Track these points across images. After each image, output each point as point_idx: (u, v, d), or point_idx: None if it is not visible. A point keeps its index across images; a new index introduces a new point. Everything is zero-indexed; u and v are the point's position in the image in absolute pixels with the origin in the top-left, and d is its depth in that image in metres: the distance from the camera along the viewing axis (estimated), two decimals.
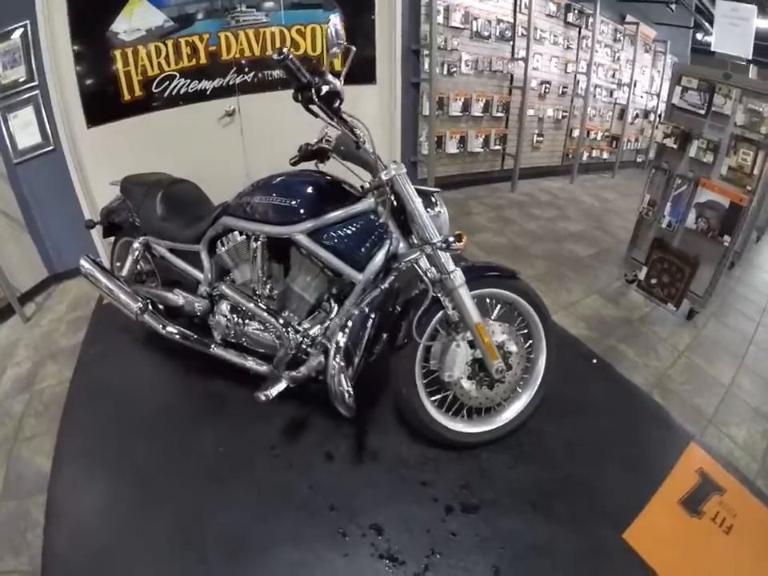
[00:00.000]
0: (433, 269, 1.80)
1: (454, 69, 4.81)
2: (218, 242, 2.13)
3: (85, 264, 2.57)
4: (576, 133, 6.16)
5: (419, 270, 1.81)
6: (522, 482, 1.88)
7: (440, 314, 1.85)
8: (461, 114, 5.03)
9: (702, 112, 2.97)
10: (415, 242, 1.82)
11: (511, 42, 5.20)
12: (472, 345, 1.89)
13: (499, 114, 5.37)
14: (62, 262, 3.63)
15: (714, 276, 2.97)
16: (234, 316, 2.17)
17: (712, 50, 2.88)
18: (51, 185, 3.40)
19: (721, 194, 2.86)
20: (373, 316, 1.84)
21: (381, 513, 1.75)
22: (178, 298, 2.39)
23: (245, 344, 2.21)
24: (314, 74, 1.65)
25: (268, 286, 2.04)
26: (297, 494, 1.86)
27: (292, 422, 2.20)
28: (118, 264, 2.85)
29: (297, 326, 1.97)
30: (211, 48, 3.61)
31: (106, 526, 1.84)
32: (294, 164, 1.95)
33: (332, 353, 1.76)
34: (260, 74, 3.83)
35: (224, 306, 2.19)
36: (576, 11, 5.63)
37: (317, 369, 1.89)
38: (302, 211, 1.77)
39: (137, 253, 2.50)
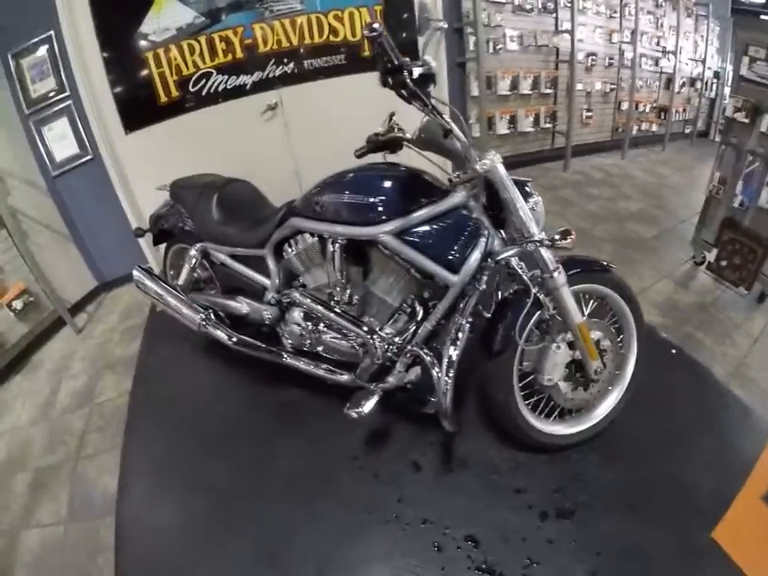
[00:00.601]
0: (523, 265, 1.64)
1: (500, 46, 4.58)
2: (285, 244, 1.99)
3: (138, 275, 2.43)
4: (624, 106, 5.81)
5: (516, 268, 1.63)
6: (613, 482, 1.79)
7: (537, 314, 1.67)
8: (509, 93, 4.79)
9: None
10: (512, 237, 1.65)
11: (554, 14, 4.95)
12: (571, 346, 1.74)
13: (548, 91, 5.10)
14: (111, 271, 3.56)
15: None
16: (308, 324, 2.03)
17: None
18: (93, 194, 3.34)
19: None
20: (471, 320, 1.69)
21: (475, 523, 1.66)
22: (242, 306, 2.24)
23: (320, 353, 2.08)
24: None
25: (347, 292, 1.87)
26: (385, 507, 1.76)
27: (373, 430, 2.06)
28: (172, 272, 2.75)
29: (382, 334, 1.81)
30: (247, 41, 3.43)
31: (180, 548, 1.75)
32: (359, 156, 1.75)
33: (443, 367, 1.65)
34: (301, 64, 3.64)
35: (296, 314, 2.06)
36: None
37: (407, 379, 1.80)
38: (386, 210, 1.61)
39: (194, 261, 2.36)
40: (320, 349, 2.05)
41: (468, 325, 1.67)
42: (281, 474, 1.96)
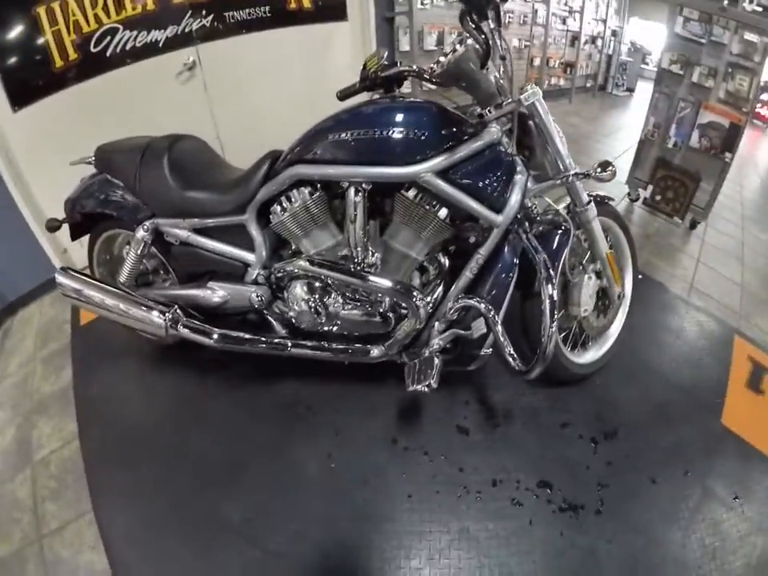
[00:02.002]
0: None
1: (427, 1, 4.27)
2: (275, 205, 1.62)
3: (63, 280, 1.82)
4: (537, 62, 6.00)
5: (551, 203, 1.66)
6: (637, 398, 1.92)
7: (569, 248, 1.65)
8: (435, 48, 4.53)
9: (703, 41, 3.12)
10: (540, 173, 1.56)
11: None
12: (598, 275, 1.81)
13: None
14: (12, 288, 2.75)
15: (714, 189, 3.19)
16: (315, 297, 1.66)
17: None
18: None
19: (721, 115, 3.10)
20: (517, 262, 1.58)
21: (540, 468, 1.65)
22: (217, 292, 1.78)
23: (332, 331, 1.75)
24: None
25: (370, 250, 1.59)
26: (450, 483, 1.62)
27: (400, 407, 1.87)
28: (101, 270, 2.18)
29: (421, 293, 1.57)
30: None
31: None
32: (344, 96, 1.58)
33: (494, 317, 1.51)
34: (221, 17, 3.05)
35: (299, 289, 1.68)
36: None
37: (456, 337, 1.63)
38: (427, 146, 1.40)
39: (142, 245, 1.80)
40: (334, 327, 1.74)
41: (511, 265, 1.58)
42: (315, 489, 1.64)
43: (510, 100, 1.40)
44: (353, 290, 1.66)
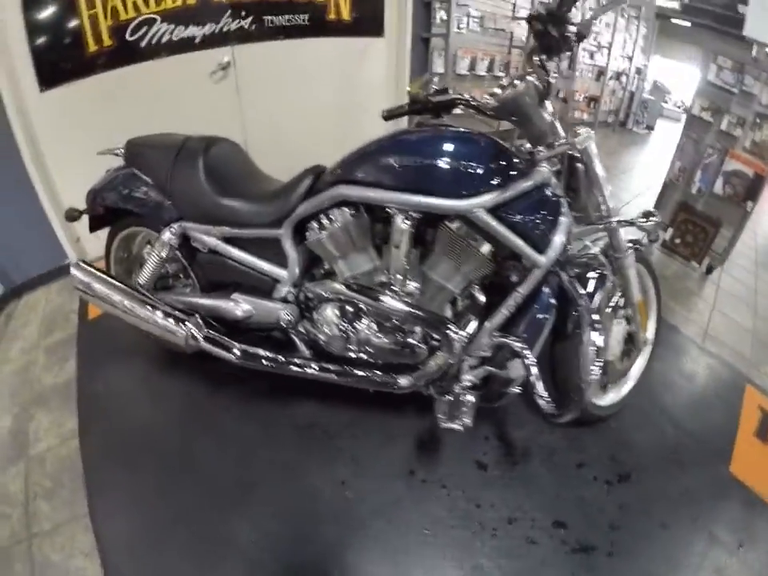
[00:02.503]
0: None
1: (462, 25, 4.26)
2: (312, 222, 1.56)
3: (80, 275, 1.74)
4: (561, 94, 5.95)
5: (592, 248, 1.66)
6: (650, 441, 1.91)
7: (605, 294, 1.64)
8: (467, 73, 4.51)
9: (735, 90, 3.15)
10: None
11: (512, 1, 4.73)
12: (627, 320, 1.80)
13: (500, 74, 4.90)
14: (20, 271, 2.69)
15: (733, 236, 3.19)
16: (346, 322, 1.61)
17: (744, 33, 2.96)
18: None
19: (746, 164, 3.09)
20: (555, 303, 1.56)
21: (556, 507, 1.63)
22: (242, 306, 1.71)
23: (358, 358, 1.68)
24: None
25: (408, 279, 1.53)
26: (466, 518, 1.58)
27: (419, 439, 1.82)
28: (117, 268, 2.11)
29: (457, 326, 1.51)
30: None
31: None
32: (390, 117, 1.47)
33: (530, 357, 1.48)
34: (260, 20, 3.03)
35: (329, 311, 1.62)
36: None
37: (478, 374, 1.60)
38: (482, 180, 1.35)
39: (167, 248, 1.72)
40: (362, 353, 1.67)
41: (548, 306, 1.55)
42: (328, 515, 1.57)
43: (563, 141, 1.38)
44: (386, 318, 1.59)
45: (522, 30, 4.70)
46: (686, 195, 3.44)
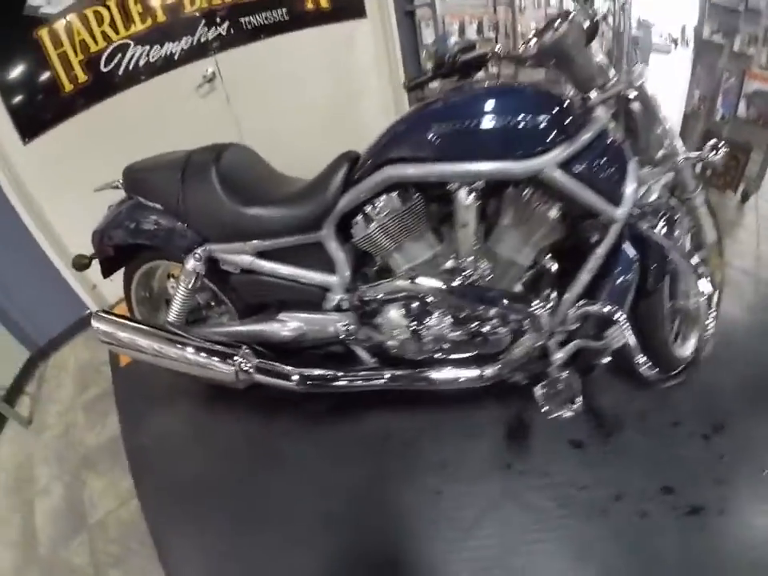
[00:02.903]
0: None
1: None
2: (357, 217, 1.40)
3: (101, 326, 1.58)
4: None
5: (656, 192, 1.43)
6: (734, 385, 1.73)
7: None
8: (458, 39, 4.18)
9: (740, 8, 2.98)
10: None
11: None
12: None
13: (491, 35, 4.63)
14: (42, 332, 2.60)
15: (764, 159, 2.96)
16: (417, 321, 1.46)
17: None
18: None
19: (766, 82, 2.90)
20: (637, 258, 1.37)
21: (659, 473, 1.49)
22: (290, 325, 1.56)
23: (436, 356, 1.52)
24: None
25: (479, 261, 1.38)
26: (574, 503, 1.44)
27: (505, 427, 1.66)
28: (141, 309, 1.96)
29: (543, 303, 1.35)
30: (169, 0, 2.62)
31: None
32: (414, 86, 1.43)
33: (624, 321, 1.31)
34: (237, 23, 2.88)
35: (394, 313, 1.45)
36: None
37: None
38: (549, 133, 1.19)
39: (193, 277, 1.56)
40: (438, 351, 1.52)
41: (631, 262, 1.37)
42: (430, 534, 1.41)
43: (616, 81, 1.22)
44: (459, 308, 1.43)
45: None
46: (709, 124, 3.26)
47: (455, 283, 1.37)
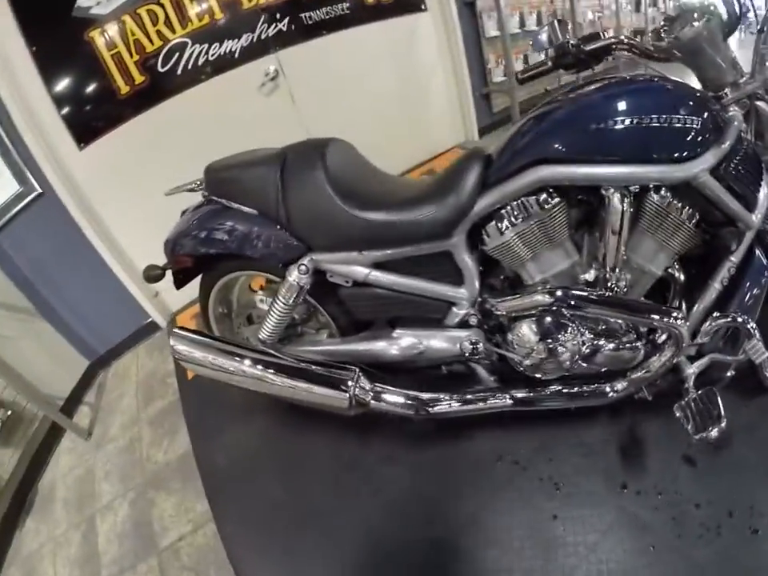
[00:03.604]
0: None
1: None
2: (488, 224, 1.28)
3: (181, 346, 1.45)
4: (610, 33, 5.42)
5: None
6: None
7: None
8: (518, 31, 4.17)
9: None
10: None
11: None
12: None
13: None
14: (102, 340, 2.58)
15: None
16: (553, 337, 1.30)
17: None
18: (54, 243, 2.40)
19: None
20: None
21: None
22: (407, 342, 1.42)
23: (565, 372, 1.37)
24: None
25: (618, 269, 1.27)
26: (688, 522, 1.31)
27: (618, 445, 1.51)
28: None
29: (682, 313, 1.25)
30: None
31: None
32: (526, 79, 1.39)
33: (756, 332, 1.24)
34: (298, 19, 2.83)
35: (526, 329, 1.30)
36: None
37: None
38: (701, 136, 1.11)
39: (296, 290, 1.38)
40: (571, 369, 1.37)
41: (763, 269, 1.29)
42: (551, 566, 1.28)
43: (749, 79, 1.18)
44: (596, 321, 1.33)
45: None
46: None
47: (597, 295, 1.26)
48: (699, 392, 1.27)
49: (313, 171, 1.31)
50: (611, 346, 1.31)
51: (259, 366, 1.40)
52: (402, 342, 1.42)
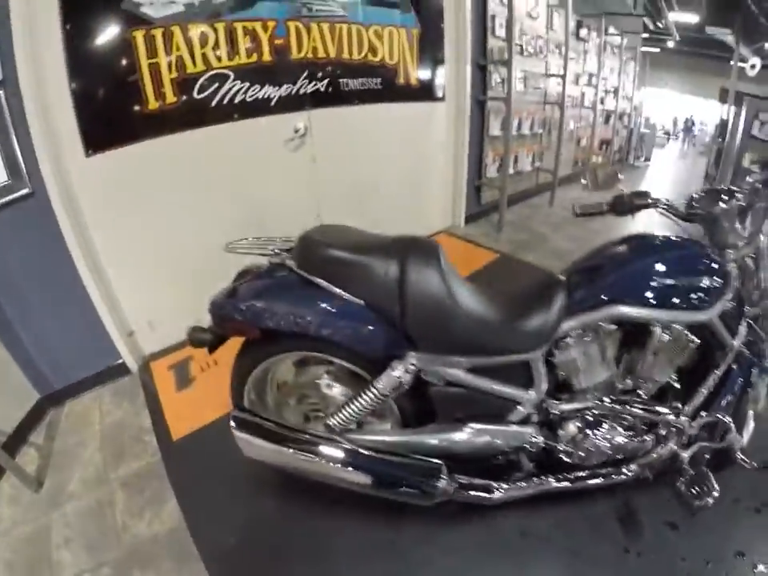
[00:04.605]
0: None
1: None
2: (563, 341, 1.55)
3: (242, 435, 1.48)
4: (583, 142, 6.61)
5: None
6: None
7: None
8: (514, 133, 4.70)
9: None
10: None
11: (545, 59, 5.03)
12: None
13: (539, 131, 5.31)
14: (61, 373, 2.37)
15: None
16: (596, 432, 1.63)
17: None
18: (28, 249, 2.16)
19: None
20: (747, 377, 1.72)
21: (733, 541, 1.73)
22: (478, 436, 1.56)
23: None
24: None
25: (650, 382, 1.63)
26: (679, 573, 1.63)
27: (616, 514, 1.83)
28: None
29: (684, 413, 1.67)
30: (278, 41, 2.66)
31: None
32: (581, 215, 1.69)
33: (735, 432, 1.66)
34: (336, 83, 2.97)
35: (572, 426, 1.62)
36: (587, 27, 5.77)
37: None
38: (725, 287, 1.52)
39: (395, 386, 1.42)
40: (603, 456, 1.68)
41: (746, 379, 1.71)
42: None
43: (745, 244, 1.56)
44: (623, 419, 1.65)
45: (554, 87, 5.06)
46: None
47: (629, 401, 1.61)
48: (694, 471, 1.64)
49: (435, 274, 1.37)
50: (634, 438, 1.64)
51: (340, 457, 1.46)
52: (474, 436, 1.55)
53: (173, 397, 2.34)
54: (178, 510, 1.83)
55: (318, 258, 1.42)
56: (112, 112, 2.25)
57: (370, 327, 1.40)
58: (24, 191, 2.06)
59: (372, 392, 1.44)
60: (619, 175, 1.66)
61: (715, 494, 1.58)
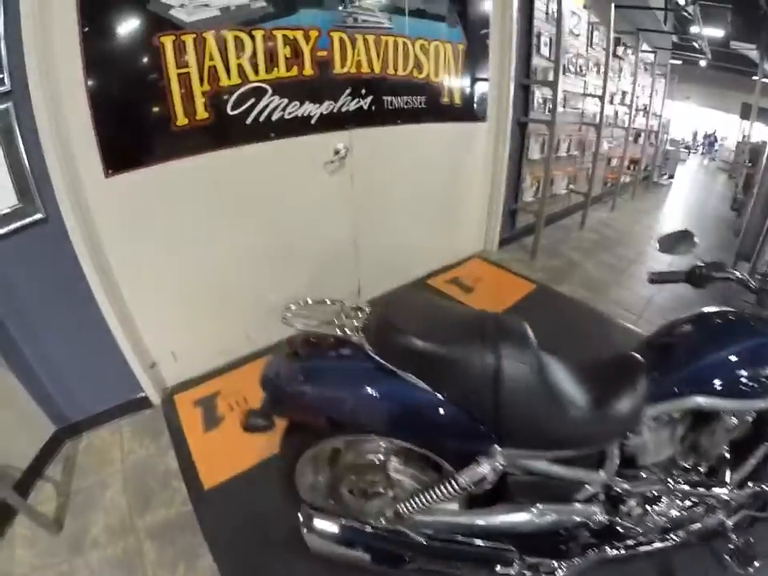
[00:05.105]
0: None
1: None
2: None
3: (317, 541, 1.51)
4: (614, 162, 6.61)
5: None
6: None
7: None
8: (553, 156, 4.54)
9: None
10: None
11: (584, 78, 4.99)
12: None
13: (574, 152, 5.25)
14: (78, 405, 2.24)
15: None
16: (657, 507, 1.65)
17: None
18: (44, 277, 2.01)
19: None
20: None
21: None
22: (546, 516, 1.53)
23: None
24: None
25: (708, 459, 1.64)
26: None
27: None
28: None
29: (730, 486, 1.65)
30: (320, 53, 2.50)
31: None
32: (656, 281, 1.68)
33: None
34: (380, 101, 2.84)
35: (633, 502, 1.61)
36: (623, 44, 5.76)
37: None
38: None
39: (480, 481, 1.33)
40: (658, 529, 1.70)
41: None
42: None
43: None
44: (677, 494, 1.64)
45: (592, 107, 5.05)
46: None
47: (689, 479, 1.60)
48: (738, 538, 1.67)
49: (530, 366, 1.27)
50: (686, 510, 1.65)
51: (414, 553, 1.53)
52: (542, 516, 1.53)
53: (200, 437, 2.21)
54: (213, 567, 1.71)
55: (400, 348, 1.27)
56: (135, 128, 2.07)
57: (455, 421, 1.30)
58: (37, 216, 1.90)
59: (453, 485, 1.35)
60: (695, 239, 1.67)
61: (757, 563, 1.60)
